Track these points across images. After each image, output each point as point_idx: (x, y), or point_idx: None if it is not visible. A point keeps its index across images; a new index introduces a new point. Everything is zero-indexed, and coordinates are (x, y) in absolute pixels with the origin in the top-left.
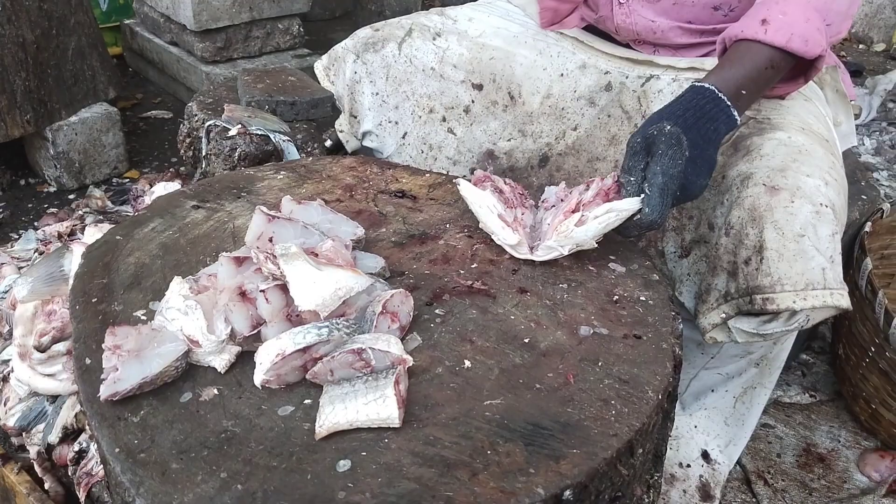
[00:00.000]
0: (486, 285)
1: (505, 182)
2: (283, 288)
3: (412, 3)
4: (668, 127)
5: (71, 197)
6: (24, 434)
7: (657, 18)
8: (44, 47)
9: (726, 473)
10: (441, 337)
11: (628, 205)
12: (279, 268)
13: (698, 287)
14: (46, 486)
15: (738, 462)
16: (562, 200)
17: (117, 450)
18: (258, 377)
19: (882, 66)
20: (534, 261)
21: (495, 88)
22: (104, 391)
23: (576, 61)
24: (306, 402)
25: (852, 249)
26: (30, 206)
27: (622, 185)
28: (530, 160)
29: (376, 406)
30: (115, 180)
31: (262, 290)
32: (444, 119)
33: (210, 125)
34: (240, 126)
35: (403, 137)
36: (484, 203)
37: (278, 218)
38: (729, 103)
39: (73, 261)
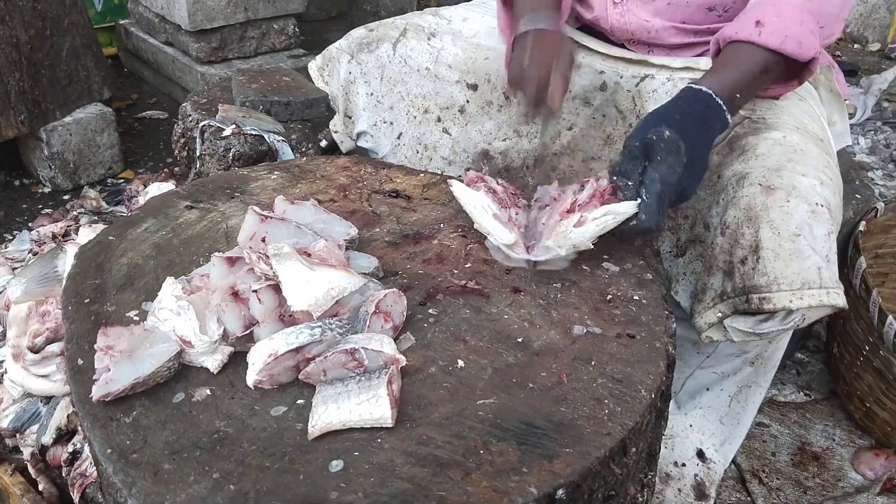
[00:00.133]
0: (480, 285)
1: (498, 182)
2: (276, 288)
3: (407, 3)
4: (668, 133)
5: (65, 197)
6: (17, 435)
7: (652, 19)
8: (38, 47)
9: (721, 472)
10: (434, 336)
11: (626, 208)
12: (272, 268)
13: (694, 286)
14: (40, 487)
15: (733, 461)
16: (555, 199)
17: (109, 450)
18: (251, 377)
19: (877, 65)
20: (530, 260)
21: (490, 88)
22: (96, 392)
23: None
24: (299, 402)
25: (847, 248)
26: (24, 206)
27: (618, 188)
28: (525, 160)
29: (369, 406)
30: (109, 181)
31: (255, 291)
32: (439, 119)
33: (204, 125)
34: (234, 126)
35: (398, 138)
36: (479, 203)
37: (271, 218)
38: (725, 108)
39: (67, 261)
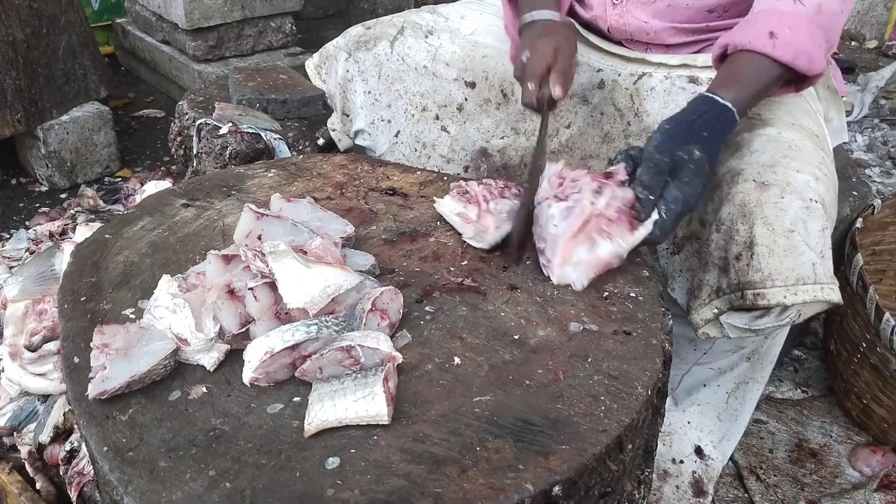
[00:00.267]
0: (477, 282)
1: (479, 183)
2: (272, 286)
3: (405, 0)
4: (697, 154)
5: (63, 196)
6: (15, 434)
7: (651, 20)
8: (34, 46)
9: (720, 469)
10: (431, 334)
11: (646, 231)
12: (268, 265)
13: (690, 283)
14: (38, 485)
15: (731, 457)
16: (559, 185)
17: (105, 448)
18: (247, 375)
19: (874, 62)
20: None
21: (488, 86)
22: (92, 390)
23: None
24: (295, 399)
25: (843, 245)
26: (21, 205)
27: (639, 200)
28: (524, 158)
29: (365, 403)
30: (107, 179)
31: (251, 288)
32: (437, 117)
33: (201, 123)
34: (231, 124)
35: (396, 136)
36: (448, 209)
37: (267, 216)
38: (741, 126)
39: (64, 260)
